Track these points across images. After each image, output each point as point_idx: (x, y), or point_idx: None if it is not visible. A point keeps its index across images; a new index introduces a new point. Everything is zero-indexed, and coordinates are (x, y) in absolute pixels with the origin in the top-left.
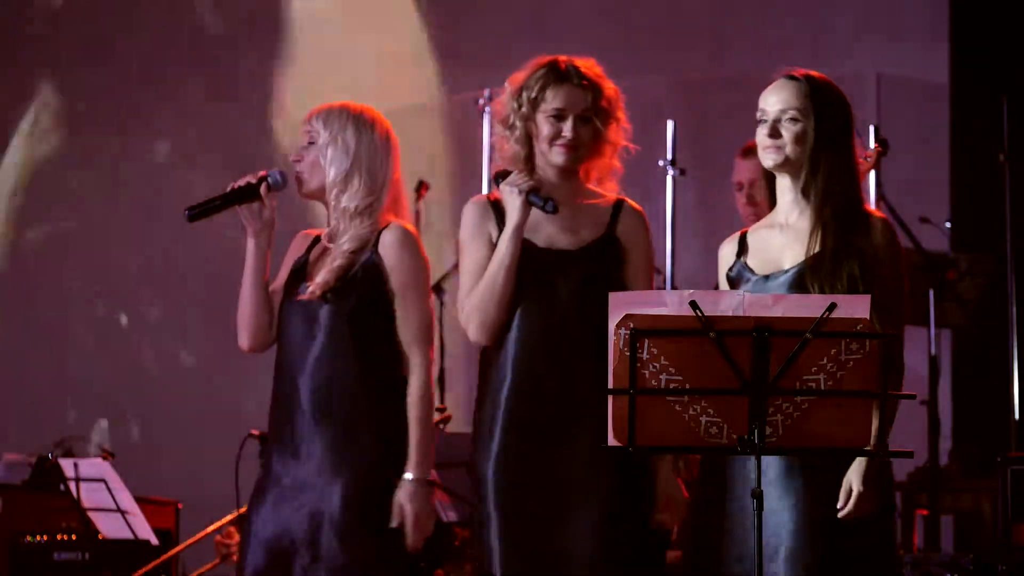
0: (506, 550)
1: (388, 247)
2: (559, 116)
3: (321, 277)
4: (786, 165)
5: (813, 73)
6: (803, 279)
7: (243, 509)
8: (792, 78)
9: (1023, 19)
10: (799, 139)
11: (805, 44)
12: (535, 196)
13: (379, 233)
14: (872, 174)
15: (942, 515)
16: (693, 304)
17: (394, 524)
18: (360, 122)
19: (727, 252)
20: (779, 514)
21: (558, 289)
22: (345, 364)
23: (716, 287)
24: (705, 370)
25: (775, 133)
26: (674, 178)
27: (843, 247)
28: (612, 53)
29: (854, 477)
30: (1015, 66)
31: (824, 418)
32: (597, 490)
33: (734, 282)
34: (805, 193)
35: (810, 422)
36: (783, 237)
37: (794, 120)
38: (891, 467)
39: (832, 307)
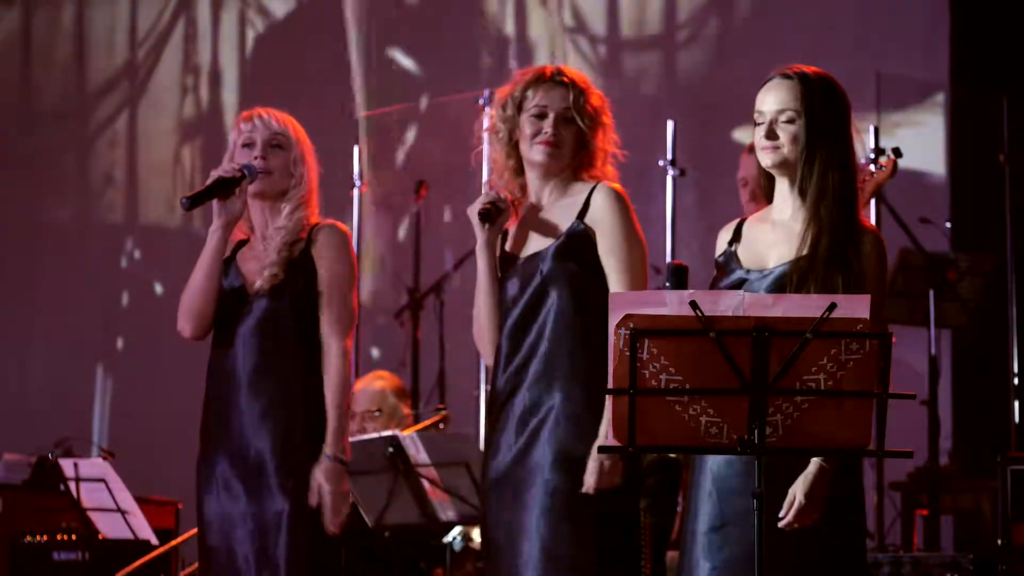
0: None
1: (320, 242)
2: (540, 115)
3: (268, 271)
4: (783, 165)
5: (808, 69)
6: (785, 281)
7: None
8: (786, 76)
9: (1023, 19)
10: (796, 139)
11: (805, 44)
12: (484, 215)
13: (311, 229)
14: (872, 170)
15: (942, 515)
16: (693, 304)
17: (312, 503)
18: (305, 135)
19: (723, 237)
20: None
21: (526, 291)
22: (282, 349)
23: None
24: (705, 370)
25: (772, 134)
26: (674, 178)
27: (831, 257)
28: (612, 53)
29: (799, 488)
30: (1015, 66)
31: (824, 418)
32: (549, 491)
33: (721, 268)
34: (801, 191)
35: (810, 422)
36: (774, 234)
37: (790, 121)
38: (855, 483)
39: (832, 307)
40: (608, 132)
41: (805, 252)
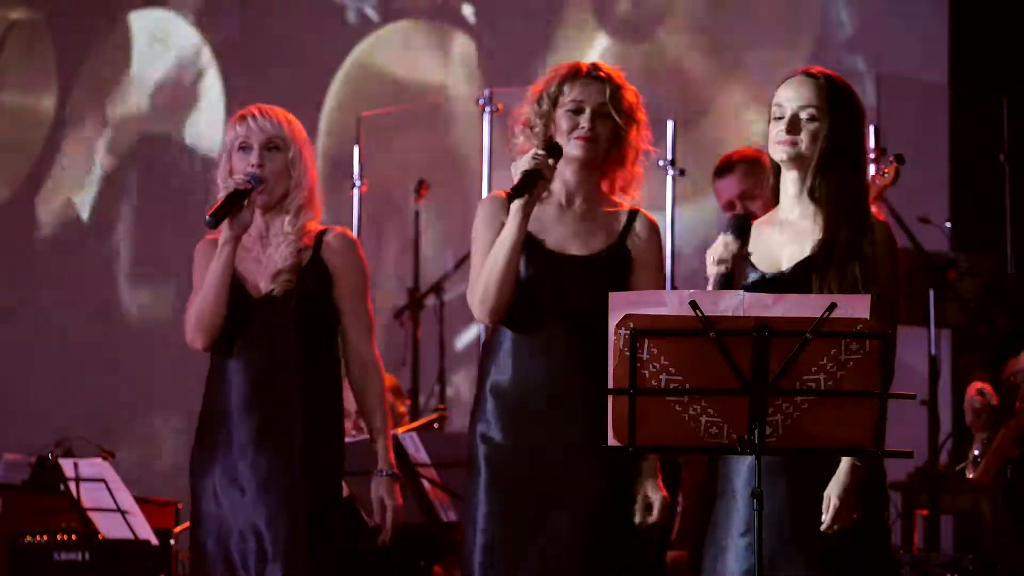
0: (486, 551)
1: (334, 249)
2: (577, 109)
3: (283, 277)
4: (798, 161)
5: (831, 73)
6: (803, 277)
7: None
8: (811, 75)
9: (1023, 19)
10: (815, 137)
11: (805, 44)
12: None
13: (321, 235)
14: (871, 174)
15: (942, 515)
16: (693, 304)
17: (376, 519)
18: (303, 131)
19: None
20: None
21: (561, 294)
22: (293, 357)
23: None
24: (705, 370)
25: (793, 128)
26: (674, 178)
27: (846, 249)
28: (612, 53)
29: (833, 490)
30: (1015, 66)
31: (824, 418)
32: (582, 492)
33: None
34: (811, 193)
35: (810, 422)
36: (783, 235)
37: (812, 118)
38: (878, 470)
39: (832, 307)
40: (642, 129)
41: (818, 249)
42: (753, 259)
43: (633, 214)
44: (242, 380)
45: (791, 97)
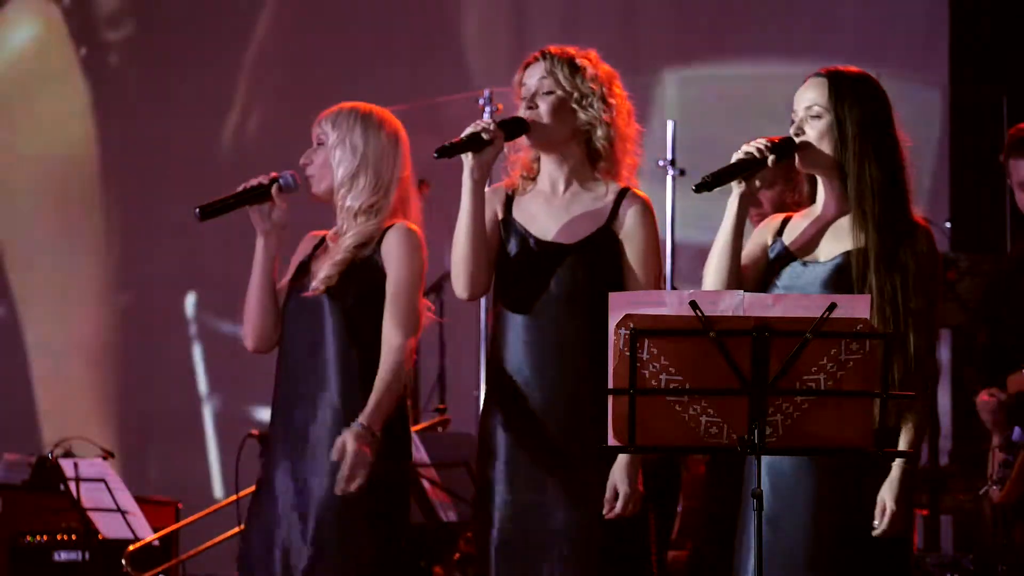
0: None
1: (390, 245)
2: (525, 95)
3: (323, 272)
4: (814, 167)
5: (842, 68)
6: (843, 269)
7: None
8: (818, 75)
9: (1023, 19)
10: (823, 135)
11: (805, 44)
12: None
13: (384, 232)
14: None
15: (942, 515)
16: (693, 304)
17: (334, 457)
18: (368, 122)
19: (765, 233)
20: (793, 518)
21: (555, 283)
22: (342, 359)
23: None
24: (705, 370)
25: (800, 132)
26: (674, 178)
27: (884, 255)
28: (612, 52)
29: (888, 495)
30: (1015, 66)
31: (824, 418)
32: (589, 484)
33: (772, 262)
34: (845, 189)
35: (810, 422)
36: (819, 231)
37: (817, 116)
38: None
39: (832, 307)
40: (613, 103)
41: (857, 258)
42: (790, 247)
43: (621, 195)
44: (287, 371)
45: (800, 100)
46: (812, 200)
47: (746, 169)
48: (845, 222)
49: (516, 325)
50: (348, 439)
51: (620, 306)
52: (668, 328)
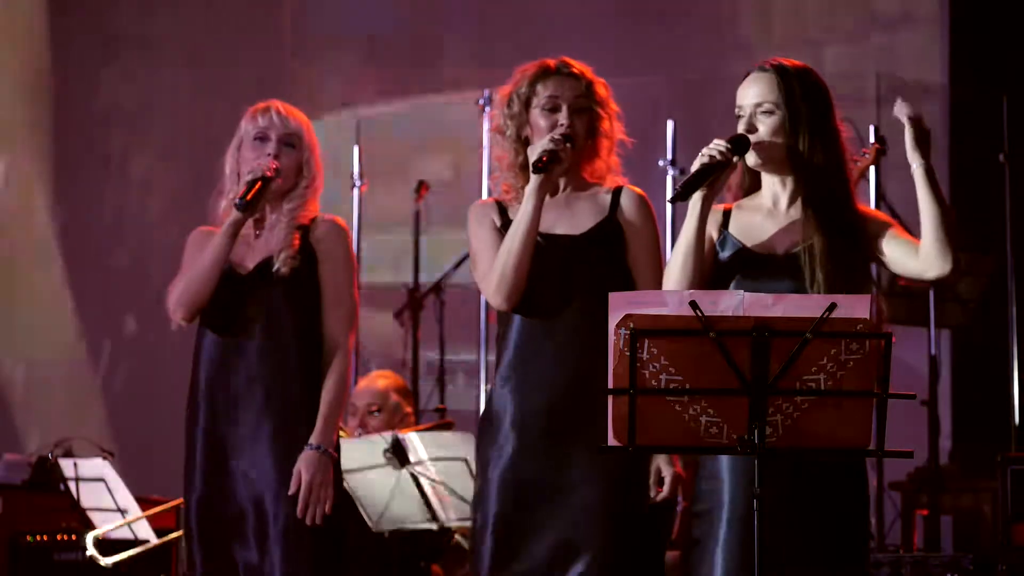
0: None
1: (328, 240)
2: (554, 107)
3: (285, 254)
4: (768, 162)
5: (785, 61)
6: (801, 264)
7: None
8: (763, 69)
9: (1023, 19)
10: (776, 131)
11: (805, 43)
12: (551, 158)
13: (312, 219)
14: (872, 175)
15: (942, 515)
16: (693, 304)
17: (291, 491)
18: (315, 136)
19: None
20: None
21: (559, 275)
22: (286, 340)
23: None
24: (705, 370)
25: (751, 128)
26: (674, 178)
27: (842, 241)
28: (612, 52)
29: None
30: (1015, 66)
31: (824, 418)
32: (598, 479)
33: (730, 257)
34: (795, 181)
35: (810, 422)
36: (772, 223)
37: (768, 112)
38: (861, 483)
39: (832, 307)
40: (615, 120)
41: (812, 240)
42: (743, 240)
43: (619, 190)
44: (237, 357)
45: (747, 96)
46: (744, 190)
47: (711, 173)
48: (796, 214)
49: (529, 319)
50: (301, 467)
51: (620, 306)
52: (668, 328)
